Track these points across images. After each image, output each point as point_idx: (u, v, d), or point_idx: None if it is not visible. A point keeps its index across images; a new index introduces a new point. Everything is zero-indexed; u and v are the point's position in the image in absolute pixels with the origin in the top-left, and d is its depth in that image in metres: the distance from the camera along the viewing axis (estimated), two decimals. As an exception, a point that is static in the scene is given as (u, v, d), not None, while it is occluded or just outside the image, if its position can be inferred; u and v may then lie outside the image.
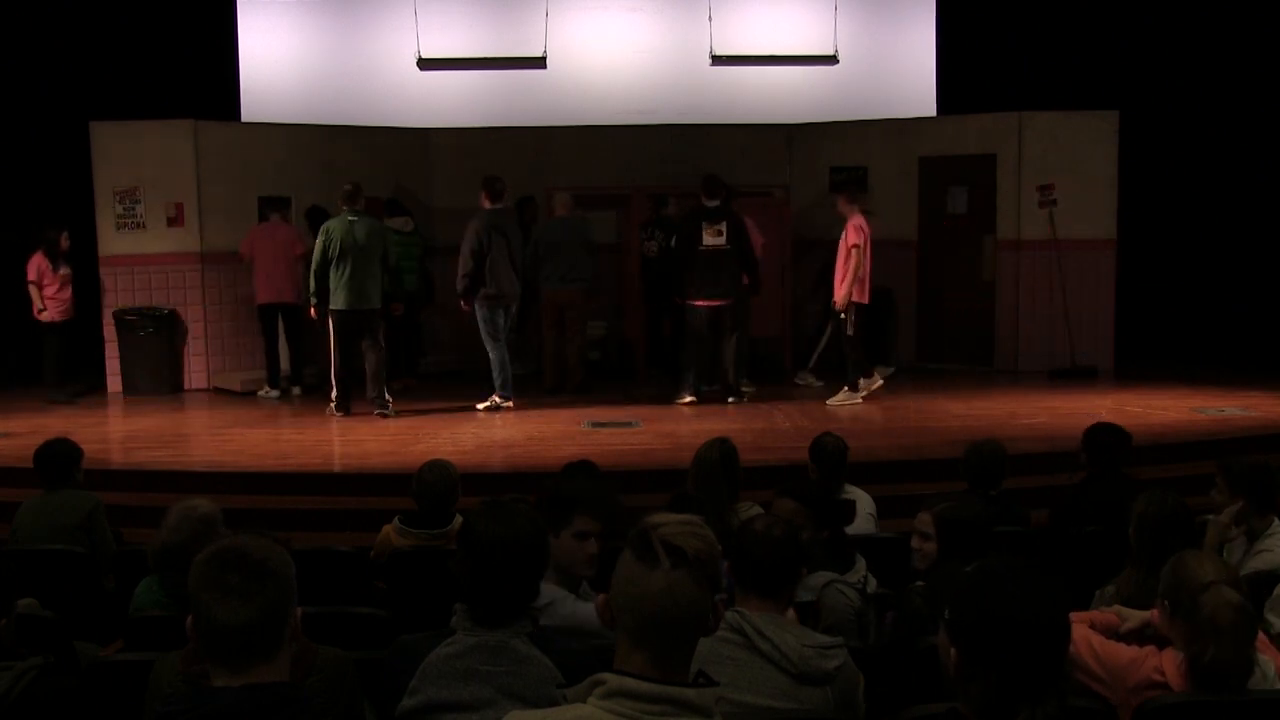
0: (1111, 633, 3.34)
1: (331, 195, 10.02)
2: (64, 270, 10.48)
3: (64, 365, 10.66)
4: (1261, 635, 3.26)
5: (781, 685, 2.91)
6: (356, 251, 9.25)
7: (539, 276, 10.51)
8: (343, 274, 9.26)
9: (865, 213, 9.92)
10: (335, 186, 9.82)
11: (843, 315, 9.68)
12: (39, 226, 10.56)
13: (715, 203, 9.76)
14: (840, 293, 9.63)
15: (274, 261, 10.57)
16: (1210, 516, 4.44)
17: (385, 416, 9.41)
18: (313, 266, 9.41)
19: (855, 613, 3.77)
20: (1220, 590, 2.96)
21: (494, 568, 2.80)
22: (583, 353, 10.77)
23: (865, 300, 9.71)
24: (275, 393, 10.74)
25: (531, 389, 10.56)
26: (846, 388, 9.84)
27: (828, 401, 9.81)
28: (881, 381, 9.99)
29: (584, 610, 3.46)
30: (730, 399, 9.96)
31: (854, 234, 9.58)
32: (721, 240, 9.69)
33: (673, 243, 10.35)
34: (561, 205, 10.69)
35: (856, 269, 9.54)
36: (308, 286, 9.63)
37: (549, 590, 3.39)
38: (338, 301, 9.33)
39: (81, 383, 10.98)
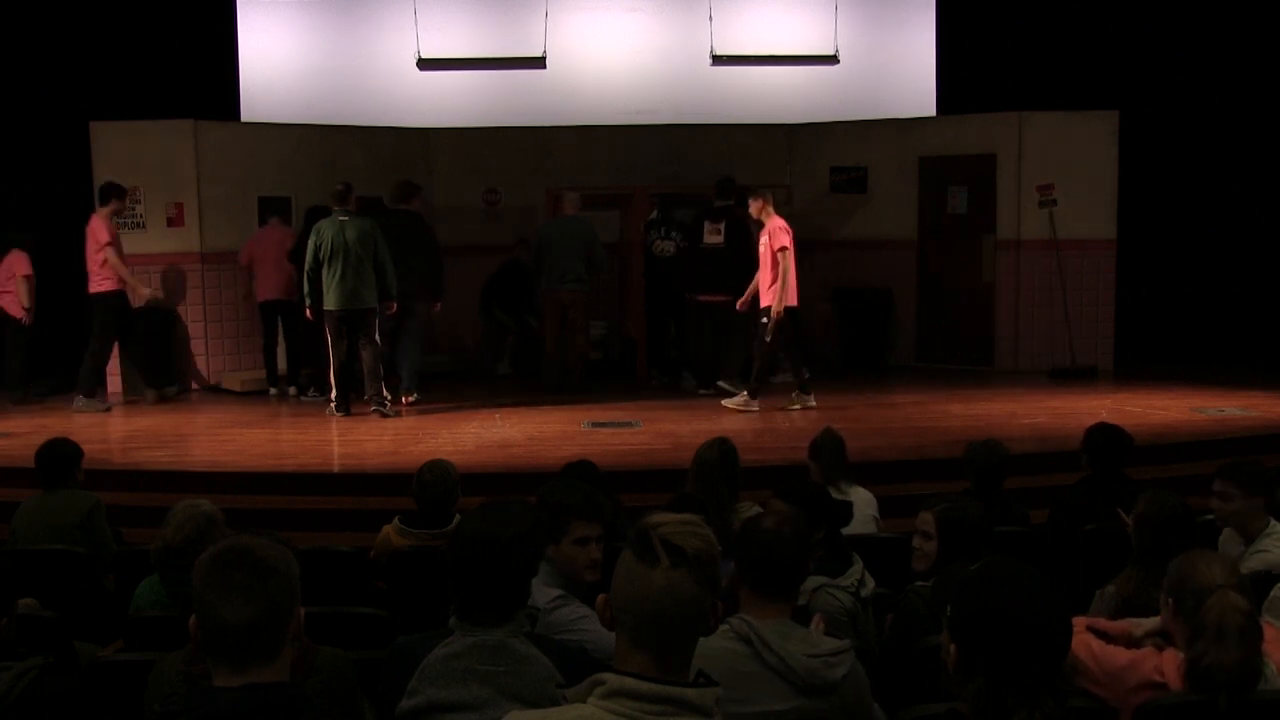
0: (1126, 640, 3.31)
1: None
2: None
3: (30, 366, 10.57)
4: (1270, 632, 3.25)
5: (785, 694, 2.86)
6: (347, 252, 9.24)
7: (539, 276, 10.53)
8: (334, 274, 9.25)
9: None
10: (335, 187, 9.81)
11: (764, 320, 9.29)
12: (9, 228, 10.42)
13: (723, 203, 9.96)
14: (773, 296, 9.19)
15: (270, 262, 10.64)
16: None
17: (384, 415, 9.41)
18: (305, 268, 9.42)
19: (848, 615, 3.76)
20: (1228, 595, 2.93)
21: (475, 563, 2.81)
22: (584, 352, 10.76)
23: (795, 304, 9.33)
24: (275, 390, 10.78)
25: (532, 389, 10.56)
26: (746, 392, 9.52)
27: (723, 401, 9.59)
28: (815, 403, 9.60)
29: (589, 626, 3.37)
30: (696, 387, 10.23)
31: (782, 235, 9.19)
32: (719, 239, 9.89)
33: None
34: (569, 204, 10.67)
35: (786, 272, 9.18)
36: (301, 286, 9.65)
37: (545, 591, 3.38)
38: (330, 302, 9.32)
39: (45, 383, 10.85)
